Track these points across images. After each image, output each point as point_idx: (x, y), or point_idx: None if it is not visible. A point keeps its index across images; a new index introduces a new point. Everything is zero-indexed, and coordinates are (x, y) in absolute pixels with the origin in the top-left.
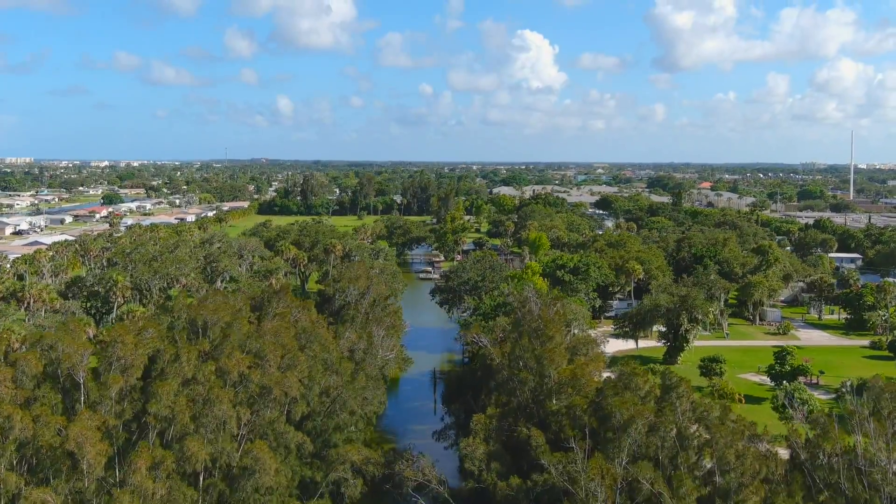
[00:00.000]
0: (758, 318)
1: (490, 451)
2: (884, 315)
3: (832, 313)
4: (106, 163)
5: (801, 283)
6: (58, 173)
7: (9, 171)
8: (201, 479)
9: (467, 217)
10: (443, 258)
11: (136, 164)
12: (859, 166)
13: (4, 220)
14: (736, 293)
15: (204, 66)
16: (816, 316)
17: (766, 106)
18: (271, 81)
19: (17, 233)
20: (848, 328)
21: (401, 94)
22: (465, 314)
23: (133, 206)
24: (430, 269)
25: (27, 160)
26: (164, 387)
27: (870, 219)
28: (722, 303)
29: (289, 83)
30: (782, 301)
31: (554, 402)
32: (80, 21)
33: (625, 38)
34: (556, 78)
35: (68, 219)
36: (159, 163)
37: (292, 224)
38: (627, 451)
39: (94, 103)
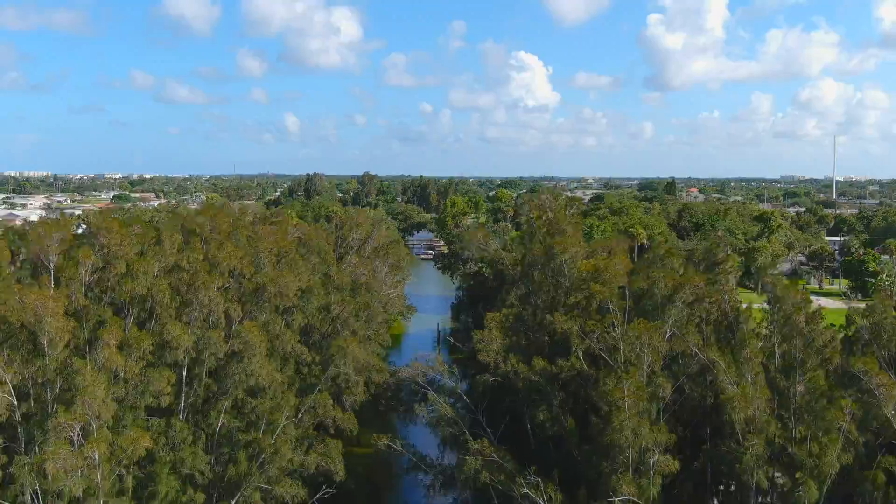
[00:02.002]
0: (759, 287)
1: (507, 344)
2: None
3: (832, 284)
4: (119, 174)
5: (801, 257)
6: (73, 181)
7: (27, 180)
8: (184, 373)
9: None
10: (443, 244)
11: (148, 176)
12: (837, 179)
13: (16, 213)
14: (738, 263)
15: (216, 85)
16: (817, 286)
17: (749, 124)
18: (280, 100)
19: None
20: (851, 293)
21: (402, 112)
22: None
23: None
24: (430, 251)
25: (46, 174)
26: (143, 264)
27: (859, 209)
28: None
29: (297, 101)
30: (784, 274)
31: (573, 297)
32: (98, 41)
33: (618, 59)
34: (551, 97)
35: (77, 211)
36: (170, 175)
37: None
38: (671, 324)
39: (109, 121)
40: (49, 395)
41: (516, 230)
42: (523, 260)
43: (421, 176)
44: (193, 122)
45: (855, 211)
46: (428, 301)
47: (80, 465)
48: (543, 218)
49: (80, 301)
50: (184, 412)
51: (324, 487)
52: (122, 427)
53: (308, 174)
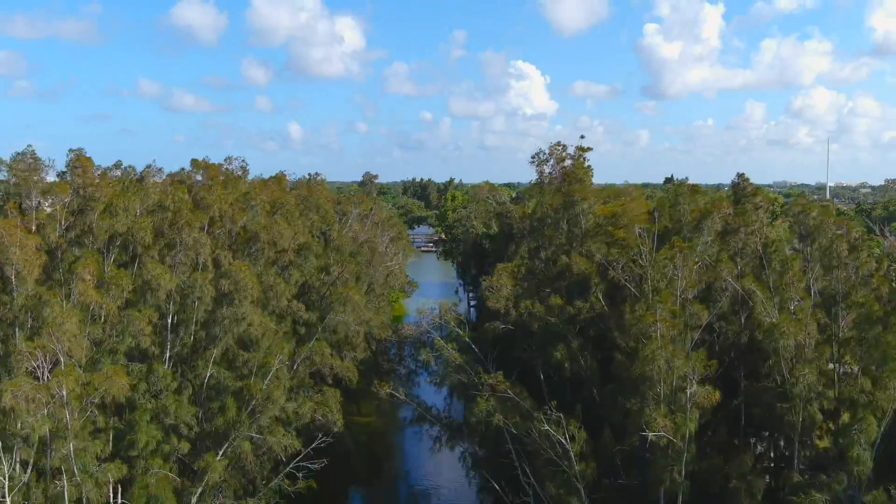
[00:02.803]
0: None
1: (518, 291)
2: None
3: None
4: None
5: None
6: None
7: None
8: (169, 320)
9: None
10: (443, 236)
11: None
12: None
13: None
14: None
15: (221, 94)
16: None
17: (742, 132)
18: (283, 108)
19: None
20: None
21: (403, 120)
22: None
23: None
24: (431, 244)
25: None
26: (123, 200)
27: (857, 204)
28: None
29: (300, 110)
30: None
31: (591, 243)
32: (106, 51)
33: (615, 68)
34: (549, 106)
35: None
36: None
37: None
38: (700, 255)
39: (117, 129)
40: (18, 337)
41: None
42: (534, 213)
43: (422, 178)
44: (199, 130)
45: (853, 206)
46: (429, 287)
47: (45, 400)
48: (560, 167)
49: (55, 239)
50: (169, 363)
51: (319, 436)
52: (99, 371)
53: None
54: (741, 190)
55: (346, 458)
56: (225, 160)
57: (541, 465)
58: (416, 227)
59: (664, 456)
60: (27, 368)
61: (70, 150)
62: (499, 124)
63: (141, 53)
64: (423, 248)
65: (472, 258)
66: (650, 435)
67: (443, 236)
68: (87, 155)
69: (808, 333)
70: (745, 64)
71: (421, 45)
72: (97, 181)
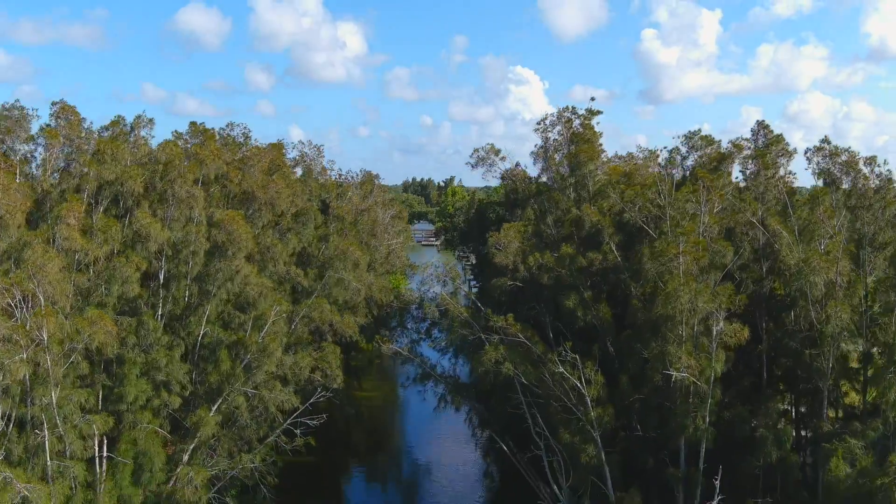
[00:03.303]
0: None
1: (525, 247)
2: None
3: None
4: None
5: None
6: None
7: None
8: (161, 275)
9: None
10: (445, 227)
11: None
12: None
13: None
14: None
15: (225, 99)
16: None
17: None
18: (286, 113)
19: None
20: None
21: (404, 124)
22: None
23: None
24: (433, 238)
25: None
26: (113, 147)
27: None
28: None
29: (302, 115)
30: None
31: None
32: (111, 56)
33: (613, 73)
34: (547, 111)
35: None
36: None
37: None
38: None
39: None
40: None
41: None
42: (538, 178)
43: (422, 178)
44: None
45: None
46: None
47: (24, 343)
48: (568, 131)
49: (44, 187)
50: (161, 320)
51: (318, 391)
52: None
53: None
54: (761, 137)
55: (346, 433)
56: (227, 125)
57: (553, 412)
58: (416, 222)
59: (686, 401)
60: (2, 307)
61: (53, 103)
62: (498, 129)
63: (146, 59)
64: (423, 243)
65: (474, 227)
66: (674, 375)
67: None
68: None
69: (839, 271)
70: (742, 69)
71: (422, 51)
72: (83, 133)
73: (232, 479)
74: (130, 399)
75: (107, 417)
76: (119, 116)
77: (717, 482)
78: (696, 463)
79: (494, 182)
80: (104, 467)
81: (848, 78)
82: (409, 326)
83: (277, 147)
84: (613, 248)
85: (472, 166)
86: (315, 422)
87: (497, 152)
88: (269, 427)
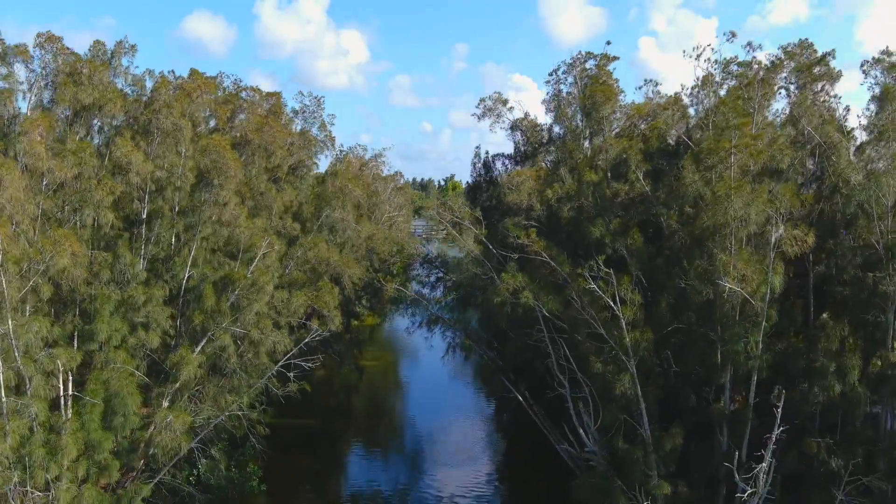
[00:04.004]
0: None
1: (542, 186)
2: None
3: None
4: None
5: None
6: None
7: None
8: (143, 214)
9: None
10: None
11: None
12: None
13: None
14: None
15: None
16: None
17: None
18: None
19: None
20: None
21: (405, 131)
22: None
23: None
24: (434, 232)
25: None
26: (91, 67)
27: None
28: None
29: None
30: None
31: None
32: None
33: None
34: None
35: None
36: None
37: None
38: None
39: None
40: None
41: None
42: (551, 128)
43: (423, 178)
44: None
45: None
46: None
47: None
48: (582, 80)
49: (11, 111)
50: (143, 261)
51: (314, 329)
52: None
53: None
54: (803, 56)
55: (347, 403)
56: (218, 74)
57: (581, 343)
58: (416, 218)
59: (736, 325)
60: None
61: (39, 34)
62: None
63: (153, 66)
64: (423, 237)
65: (482, 181)
66: (725, 289)
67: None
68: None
69: None
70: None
71: (424, 58)
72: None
73: (219, 430)
74: (102, 337)
75: (74, 353)
76: (98, 41)
77: (779, 410)
78: (744, 398)
79: (502, 133)
80: (69, 407)
81: (841, 86)
82: (417, 273)
83: (275, 95)
84: (641, 178)
85: (479, 117)
86: (310, 364)
87: (504, 102)
88: (259, 376)
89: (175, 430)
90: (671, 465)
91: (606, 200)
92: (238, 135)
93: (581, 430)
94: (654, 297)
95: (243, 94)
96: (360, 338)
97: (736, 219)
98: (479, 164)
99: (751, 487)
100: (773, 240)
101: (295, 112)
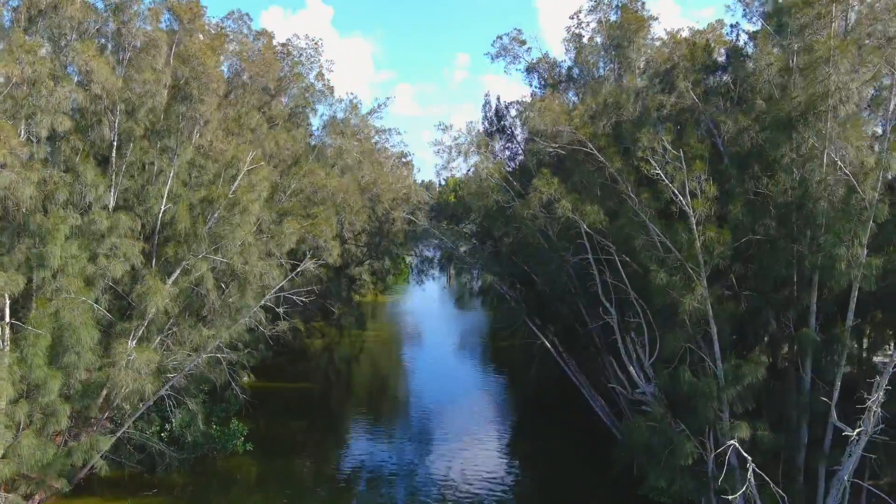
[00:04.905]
0: None
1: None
2: None
3: None
4: None
5: None
6: None
7: None
8: (115, 137)
9: None
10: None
11: None
12: None
13: None
14: None
15: None
16: None
17: None
18: None
19: None
20: None
21: (408, 140)
22: None
23: None
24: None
25: None
26: None
27: None
28: None
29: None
30: None
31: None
32: None
33: None
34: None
35: None
36: None
37: None
38: None
39: None
40: None
41: None
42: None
43: (423, 180)
44: None
45: None
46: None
47: None
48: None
49: None
50: (114, 192)
51: (308, 254)
52: None
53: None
54: None
55: (347, 372)
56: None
57: (638, 251)
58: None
59: (835, 223)
60: None
61: None
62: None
63: None
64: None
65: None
66: (824, 178)
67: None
68: None
69: None
70: None
71: (426, 68)
72: None
73: (198, 381)
74: (55, 263)
75: (16, 276)
76: None
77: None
78: (840, 320)
79: (518, 74)
80: (6, 339)
81: None
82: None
83: (266, 35)
84: (690, 88)
85: (493, 58)
86: (304, 299)
87: (522, 42)
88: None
89: (138, 370)
90: (749, 403)
91: (650, 113)
92: (228, 66)
93: (631, 368)
94: (723, 208)
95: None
96: (361, 310)
97: (839, 89)
98: (491, 113)
99: (851, 431)
100: (892, 106)
101: (289, 54)
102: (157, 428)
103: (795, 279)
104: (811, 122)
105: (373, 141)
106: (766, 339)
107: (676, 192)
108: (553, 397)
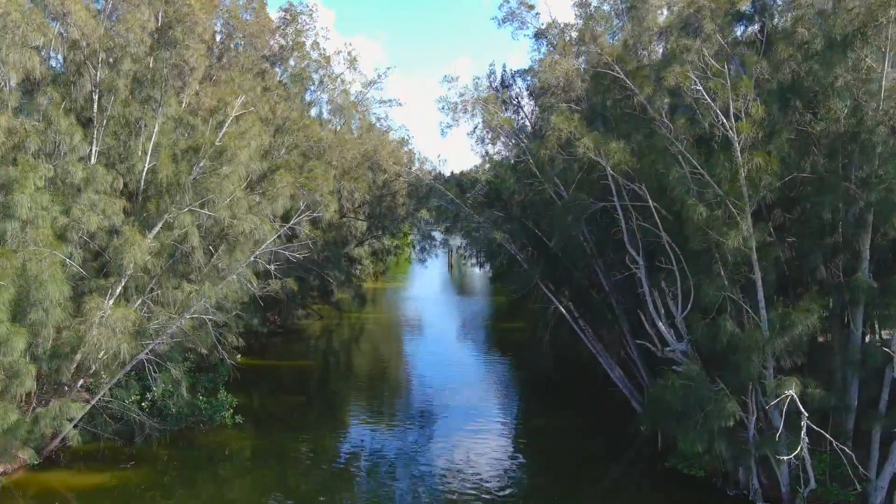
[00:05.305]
0: None
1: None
2: None
3: None
4: None
5: None
6: None
7: None
8: (96, 93)
9: None
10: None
11: None
12: None
13: None
14: None
15: None
16: None
17: None
18: None
19: None
20: None
21: (406, 137)
22: None
23: None
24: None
25: None
26: None
27: None
28: None
29: None
30: None
31: None
32: None
33: None
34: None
35: None
36: None
37: None
38: None
39: None
40: None
41: None
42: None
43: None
44: None
45: None
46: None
47: None
48: None
49: None
50: (94, 148)
51: (302, 206)
52: None
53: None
54: None
55: (346, 357)
56: None
57: (673, 185)
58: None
59: (894, 149)
60: None
61: None
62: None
63: None
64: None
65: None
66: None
67: None
68: None
69: None
70: None
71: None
72: None
73: (182, 349)
74: (23, 213)
75: None
76: None
77: None
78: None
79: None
80: None
81: None
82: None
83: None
84: (717, 31)
85: (500, 22)
86: (297, 254)
87: (531, 7)
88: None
89: (113, 328)
90: (798, 356)
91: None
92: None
93: (661, 324)
94: (763, 147)
95: None
96: (361, 291)
97: None
98: (496, 83)
99: None
100: None
101: (284, 21)
102: (138, 397)
103: (842, 223)
104: (870, 38)
105: (373, 115)
106: (814, 288)
107: (719, 112)
108: (564, 371)
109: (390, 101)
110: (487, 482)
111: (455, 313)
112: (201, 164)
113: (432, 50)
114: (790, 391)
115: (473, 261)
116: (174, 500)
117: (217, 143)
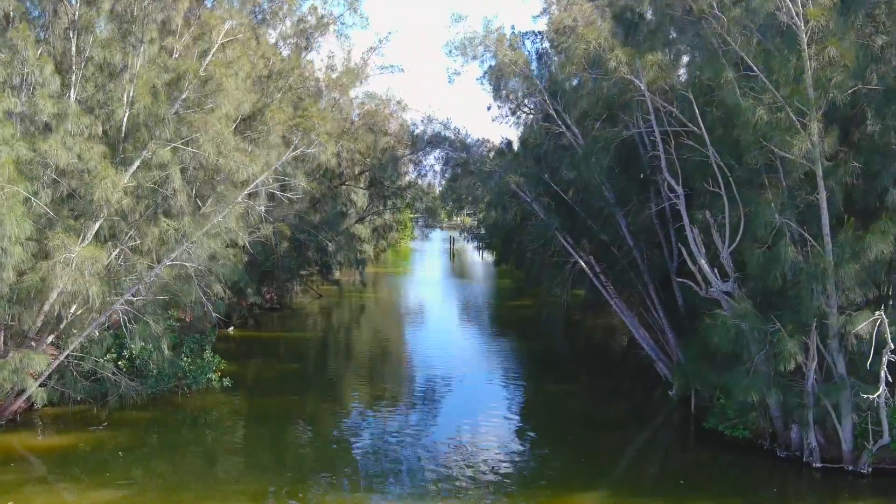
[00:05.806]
0: None
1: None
2: None
3: None
4: None
5: None
6: None
7: None
8: (74, 40)
9: None
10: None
11: None
12: None
13: None
14: None
15: None
16: None
17: None
18: None
19: None
20: None
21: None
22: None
23: None
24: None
25: None
26: None
27: None
28: None
29: None
30: None
31: None
32: None
33: None
34: None
35: None
36: None
37: None
38: None
39: None
40: None
41: None
42: None
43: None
44: None
45: None
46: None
47: None
48: None
49: None
50: (73, 93)
51: (296, 144)
52: None
53: None
54: None
55: (347, 338)
56: None
57: (724, 86)
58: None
59: None
60: None
61: None
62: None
63: None
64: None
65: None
66: None
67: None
68: None
69: None
70: None
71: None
72: None
73: (163, 305)
74: (4, 177)
75: None
76: None
77: None
78: None
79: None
80: None
81: None
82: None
83: None
84: None
85: None
86: (292, 199)
87: None
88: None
89: (80, 269)
90: (870, 289)
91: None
92: None
93: (702, 261)
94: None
95: None
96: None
97: None
98: (505, 47)
99: None
100: None
101: None
102: (114, 355)
103: None
104: None
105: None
106: (883, 214)
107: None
108: (581, 341)
109: (391, 66)
110: (495, 460)
111: (459, 294)
112: (184, 96)
113: (433, 48)
114: (880, 313)
115: (475, 244)
116: (157, 463)
117: (201, 73)
